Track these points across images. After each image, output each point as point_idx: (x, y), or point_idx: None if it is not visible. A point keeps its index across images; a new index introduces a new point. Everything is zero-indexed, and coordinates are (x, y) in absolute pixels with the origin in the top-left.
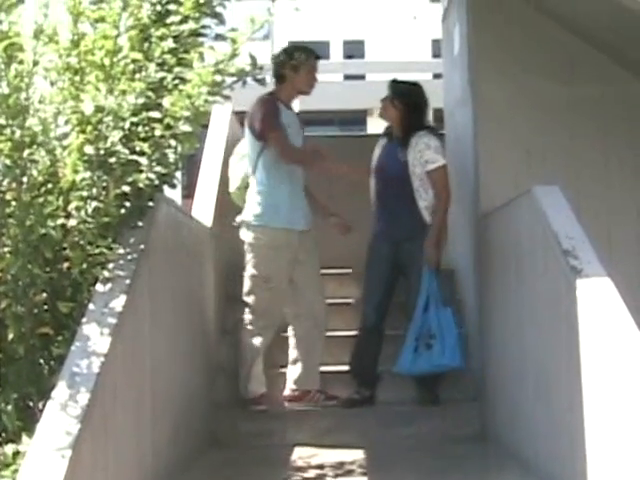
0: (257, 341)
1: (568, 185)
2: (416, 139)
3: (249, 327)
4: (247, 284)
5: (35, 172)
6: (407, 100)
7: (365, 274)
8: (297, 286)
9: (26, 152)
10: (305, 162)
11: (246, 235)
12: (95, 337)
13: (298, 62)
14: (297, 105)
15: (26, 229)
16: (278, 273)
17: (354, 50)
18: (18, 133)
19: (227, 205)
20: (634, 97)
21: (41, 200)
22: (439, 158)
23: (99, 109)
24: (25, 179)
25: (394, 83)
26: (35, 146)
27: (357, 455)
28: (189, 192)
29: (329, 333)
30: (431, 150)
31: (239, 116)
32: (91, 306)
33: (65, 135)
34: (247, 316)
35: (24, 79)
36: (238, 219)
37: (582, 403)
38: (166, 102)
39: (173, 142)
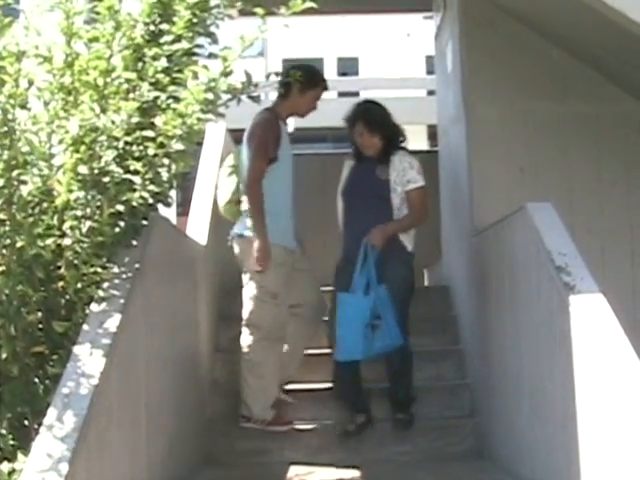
0: (270, 359)
1: (561, 202)
2: (399, 157)
3: (257, 347)
4: (252, 302)
5: (25, 192)
6: (385, 130)
7: (333, 299)
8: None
9: (15, 172)
10: (254, 206)
11: (245, 251)
12: (90, 357)
13: (308, 85)
14: (291, 122)
15: (17, 249)
16: (283, 290)
17: (348, 67)
18: (6, 154)
19: (221, 223)
20: (627, 114)
21: (31, 220)
22: (420, 179)
23: (92, 129)
24: (15, 199)
25: (367, 114)
26: (28, 166)
27: (353, 473)
28: (184, 209)
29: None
30: (414, 170)
31: (233, 133)
32: (86, 326)
33: (52, 155)
34: (250, 337)
35: (10, 100)
36: (233, 233)
37: (576, 419)
38: (158, 121)
39: (166, 161)
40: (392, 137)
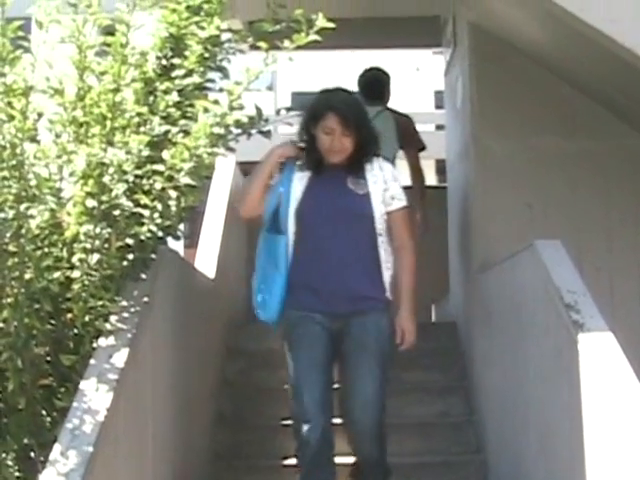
0: None
1: (570, 239)
2: (378, 164)
3: None
4: None
5: (33, 225)
6: (363, 131)
7: (291, 369)
8: None
9: (23, 206)
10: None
11: None
12: (97, 391)
13: None
14: None
15: (25, 282)
16: None
17: None
18: (15, 187)
19: (229, 257)
20: (636, 151)
21: (39, 253)
22: (404, 196)
23: (101, 163)
24: (24, 232)
25: (345, 106)
26: (36, 200)
27: None
28: (191, 241)
29: None
30: (397, 183)
31: (243, 166)
32: (93, 360)
33: (60, 190)
34: None
35: (19, 134)
36: None
37: (584, 457)
38: (166, 154)
39: (175, 194)
40: (368, 140)
